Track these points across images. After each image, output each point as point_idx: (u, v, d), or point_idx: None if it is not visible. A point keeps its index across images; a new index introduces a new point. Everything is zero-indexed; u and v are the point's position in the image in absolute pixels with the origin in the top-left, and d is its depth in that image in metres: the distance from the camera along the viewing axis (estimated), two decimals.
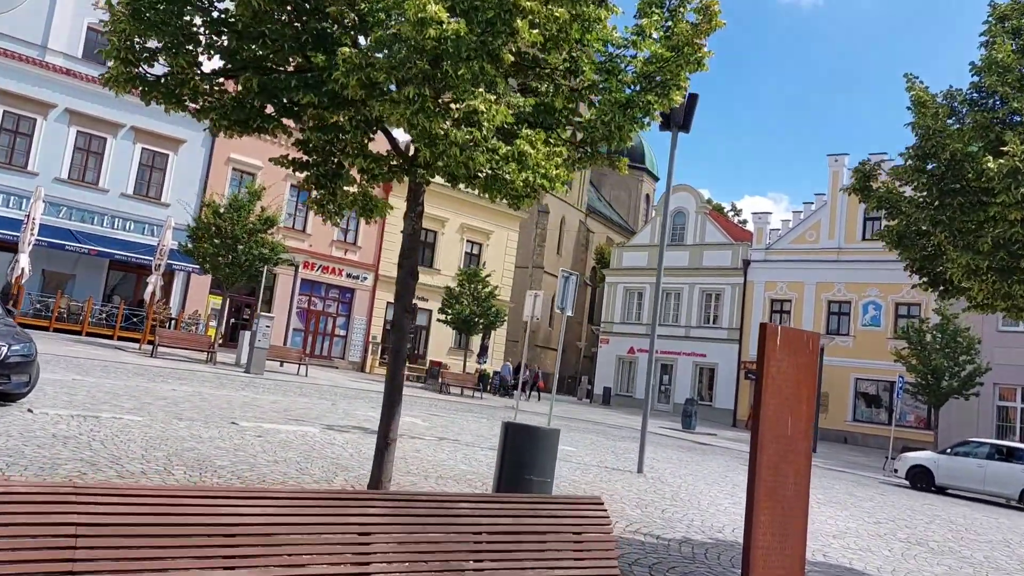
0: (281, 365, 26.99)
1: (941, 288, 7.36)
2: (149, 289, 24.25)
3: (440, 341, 36.96)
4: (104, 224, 28.90)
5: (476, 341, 36.87)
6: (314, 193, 6.35)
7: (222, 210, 24.44)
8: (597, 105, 5.89)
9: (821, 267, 37.38)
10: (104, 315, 28.13)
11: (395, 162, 5.64)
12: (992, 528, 12.91)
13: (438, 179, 5.72)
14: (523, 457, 6.05)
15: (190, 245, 24.31)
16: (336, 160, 5.78)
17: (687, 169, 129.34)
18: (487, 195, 5.52)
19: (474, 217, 38.77)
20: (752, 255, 39.84)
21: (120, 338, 27.33)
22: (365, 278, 35.31)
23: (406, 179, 6.15)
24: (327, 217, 6.35)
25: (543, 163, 5.17)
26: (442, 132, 4.76)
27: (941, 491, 19.37)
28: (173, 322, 29.20)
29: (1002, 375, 27.83)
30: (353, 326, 34.97)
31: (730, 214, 70.55)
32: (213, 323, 31.12)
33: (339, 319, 35.00)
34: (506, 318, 31.96)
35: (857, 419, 35.71)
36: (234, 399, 14.58)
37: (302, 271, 33.08)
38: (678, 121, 12.70)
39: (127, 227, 29.63)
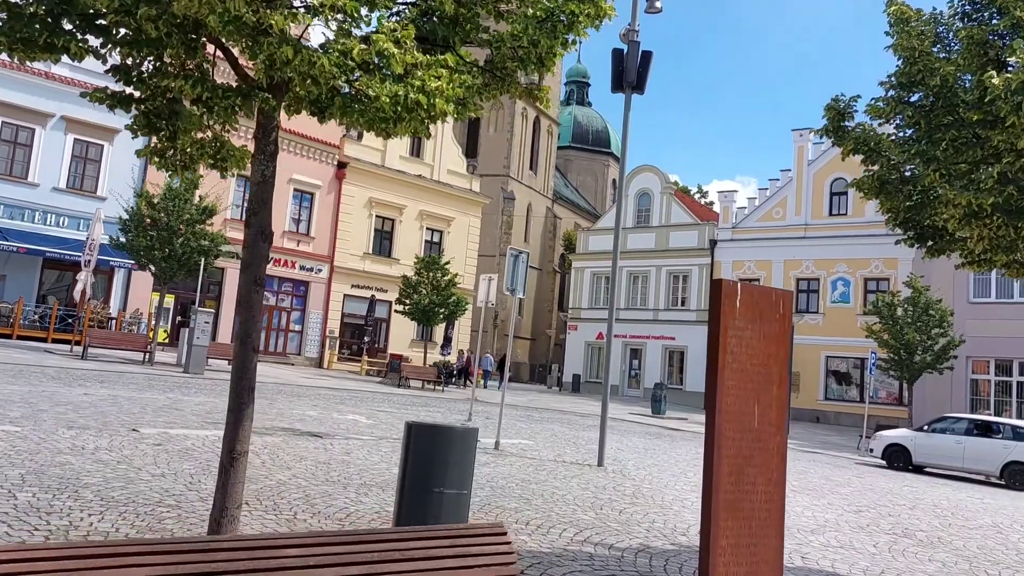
0: (228, 364, 25.48)
1: (930, 243, 6.24)
2: (79, 287, 22.63)
3: (401, 334, 35.64)
4: (35, 220, 27.12)
5: (440, 332, 35.61)
6: (152, 140, 5.00)
7: (157, 200, 22.86)
8: (506, 17, 4.66)
9: (788, 244, 36.62)
10: (37, 316, 26.40)
11: (235, 86, 4.32)
12: (979, 511, 11.98)
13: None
14: (431, 466, 4.83)
15: (122, 239, 22.70)
16: (169, 93, 4.47)
17: (653, 153, 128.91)
18: (344, 123, 4.25)
19: (434, 203, 37.47)
20: (719, 235, 39.00)
21: (54, 340, 25.67)
22: (320, 270, 33.85)
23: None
24: (172, 171, 5.03)
25: (421, 74, 3.93)
26: (273, 31, 3.50)
27: (919, 470, 18.55)
28: (113, 322, 27.54)
29: (975, 348, 27.19)
30: (308, 321, 33.50)
31: (696, 197, 69.89)
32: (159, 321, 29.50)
33: (293, 314, 33.52)
34: (468, 307, 30.70)
35: (828, 397, 35.05)
36: (153, 402, 13.18)
37: None
38: (631, 80, 11.56)
39: (61, 223, 27.87)
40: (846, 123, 6.34)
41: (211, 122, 4.61)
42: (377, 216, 35.61)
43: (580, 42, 4.95)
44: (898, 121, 5.86)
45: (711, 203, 57.87)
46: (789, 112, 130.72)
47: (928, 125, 5.45)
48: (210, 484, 7.22)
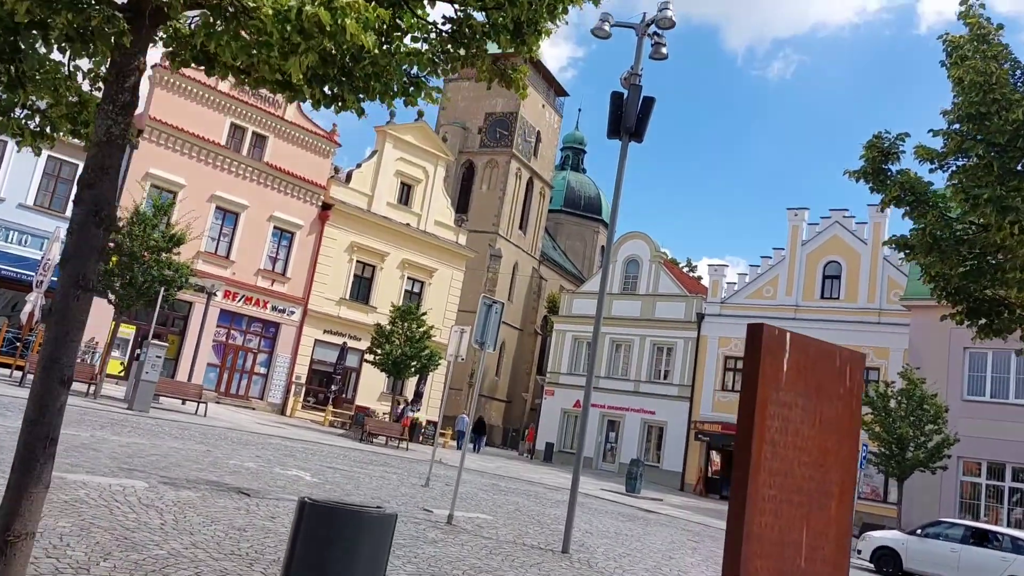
0: (183, 403, 23.86)
1: (984, 320, 5.06)
2: (27, 308, 21.12)
3: (371, 385, 34.07)
4: None
5: (411, 386, 34.06)
6: None
7: (122, 223, 21.59)
8: None
9: (777, 324, 35.43)
10: None
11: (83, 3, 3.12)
12: None
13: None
14: (327, 561, 3.49)
15: None
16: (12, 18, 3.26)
17: (643, 223, 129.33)
18: (232, 65, 3.07)
19: (418, 253, 36.41)
20: (707, 308, 38.00)
21: (1, 364, 24.02)
22: (292, 312, 32.44)
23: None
24: (19, 139, 3.79)
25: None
26: None
27: None
28: None
29: (967, 448, 25.94)
30: (275, 364, 31.93)
31: (685, 270, 69.29)
32: (116, 353, 27.89)
33: (260, 356, 31.96)
34: (441, 361, 29.28)
35: None
36: (71, 439, 11.66)
37: (223, 301, 30.10)
38: (629, 127, 10.58)
39: (24, 242, 26.53)
40: (889, 165, 5.21)
41: (68, 63, 3.41)
42: (358, 261, 34.46)
43: (580, 109, 3.81)
44: (957, 163, 4.74)
45: (699, 278, 57.13)
46: (783, 195, 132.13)
47: (1003, 168, 4.34)
48: (80, 551, 5.79)
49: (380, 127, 35.94)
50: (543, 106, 65.76)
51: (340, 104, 3.88)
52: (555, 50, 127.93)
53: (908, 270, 31.01)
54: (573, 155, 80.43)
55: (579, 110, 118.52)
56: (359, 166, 35.07)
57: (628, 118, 10.25)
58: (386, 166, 35.52)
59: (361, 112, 4.45)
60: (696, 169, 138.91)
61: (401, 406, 29.69)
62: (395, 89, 3.73)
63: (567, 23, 3.81)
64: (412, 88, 4.00)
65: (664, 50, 10.74)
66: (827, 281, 35.22)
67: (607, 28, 10.86)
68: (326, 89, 3.60)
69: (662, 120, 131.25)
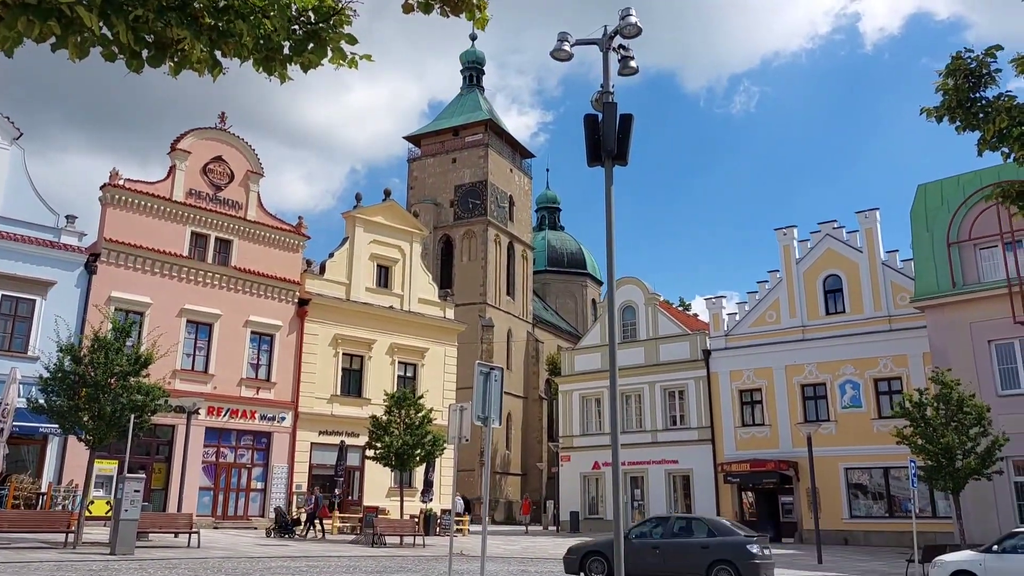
0: (176, 536, 22.00)
1: None
2: None
3: (377, 482, 32.27)
4: None
5: (419, 476, 32.29)
6: None
7: (83, 353, 20.11)
8: None
9: (788, 349, 34.31)
10: None
11: None
12: None
13: None
14: None
15: (41, 401, 19.75)
16: None
17: (629, 271, 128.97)
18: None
19: (406, 335, 35.15)
20: (711, 344, 36.70)
21: None
22: (283, 418, 30.85)
23: None
24: None
25: None
26: None
27: None
28: (42, 498, 24.09)
29: (1013, 447, 24.31)
30: (273, 476, 30.12)
31: (680, 310, 68.19)
32: (100, 493, 26.03)
33: (255, 470, 30.21)
34: (447, 446, 27.65)
35: (855, 515, 31.70)
36: None
37: (207, 418, 28.49)
38: (611, 149, 9.50)
39: None
40: (981, 92, 3.94)
41: None
42: (344, 354, 33.12)
43: (548, 169, 2.66)
44: None
45: (697, 315, 56.04)
46: (767, 221, 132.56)
47: None
48: None
49: (348, 212, 35.11)
50: (511, 170, 65.64)
51: (177, 57, 2.82)
52: (523, 119, 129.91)
53: (913, 269, 29.94)
54: (549, 214, 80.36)
55: (547, 170, 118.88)
56: (332, 255, 34.07)
57: (607, 140, 9.28)
58: (359, 251, 34.54)
59: (215, 68, 3.64)
60: (674, 211, 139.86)
61: (313, 496, 27.52)
62: (280, 43, 2.68)
63: None
64: (312, 44, 2.94)
65: (633, 63, 9.79)
66: (829, 296, 34.14)
67: (567, 48, 9.93)
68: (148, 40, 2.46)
69: (633, 166, 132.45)
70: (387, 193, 36.78)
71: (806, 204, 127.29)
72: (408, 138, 66.81)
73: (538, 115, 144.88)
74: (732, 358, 35.95)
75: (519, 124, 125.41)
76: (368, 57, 4.22)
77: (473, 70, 69.04)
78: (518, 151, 67.85)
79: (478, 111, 64.70)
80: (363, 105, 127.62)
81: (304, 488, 30.54)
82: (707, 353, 36.59)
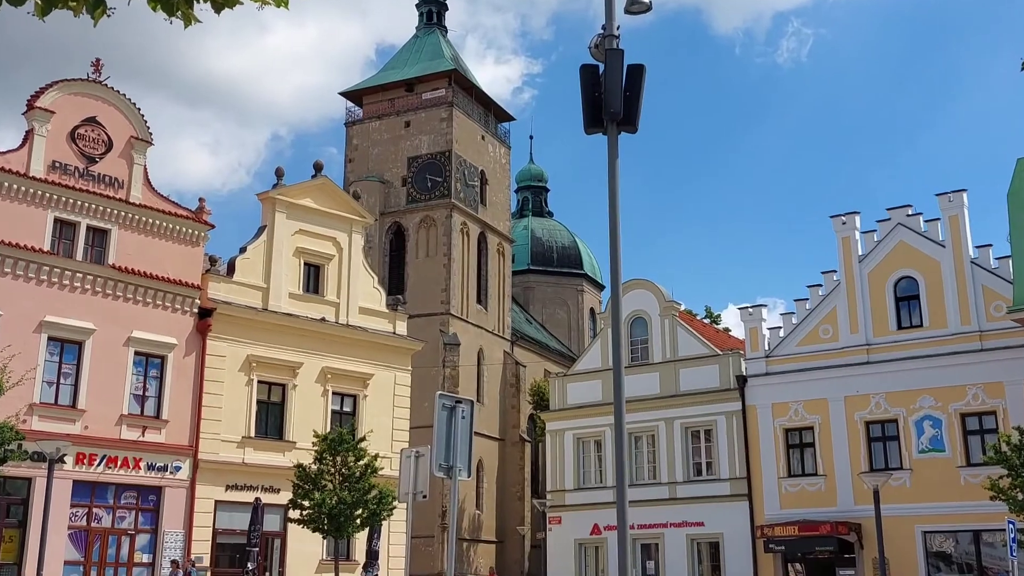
0: None
1: None
2: None
3: (305, 553, 32.06)
4: None
5: (360, 545, 32.18)
6: None
7: None
8: None
9: (848, 375, 34.58)
10: None
11: None
12: None
13: None
14: None
15: None
16: None
17: (640, 271, 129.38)
18: None
19: (342, 356, 35.04)
20: (748, 368, 36.91)
21: None
22: (178, 467, 30.63)
23: None
24: None
25: None
26: None
27: None
28: None
29: None
30: (163, 545, 29.88)
31: (707, 322, 68.64)
32: None
33: (140, 537, 29.96)
34: (396, 504, 27.58)
35: None
36: None
37: (75, 469, 28.21)
38: (615, 110, 9.61)
39: None
40: None
41: None
42: (260, 382, 32.94)
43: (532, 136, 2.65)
44: None
45: (728, 330, 56.42)
46: (820, 206, 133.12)
47: None
48: None
49: (265, 193, 34.97)
50: (483, 138, 65.82)
51: None
52: (501, 70, 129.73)
53: (1012, 270, 30.34)
54: (533, 196, 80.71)
55: (531, 137, 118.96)
56: (243, 250, 33.87)
57: (611, 99, 9.31)
58: (281, 245, 34.37)
59: (97, 7, 3.89)
60: (698, 193, 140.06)
61: (183, 571, 27.25)
62: None
63: None
64: None
65: None
66: (902, 305, 34.51)
67: None
68: None
69: (644, 134, 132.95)
70: (318, 167, 36.60)
71: (871, 184, 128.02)
72: (347, 95, 66.68)
73: (522, 65, 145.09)
74: (775, 387, 36.10)
75: (496, 76, 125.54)
76: None
77: (433, 5, 69.13)
78: (493, 112, 67.95)
79: (439, 59, 64.74)
80: (287, 50, 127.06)
81: (204, 561, 30.31)
82: (742, 380, 36.76)
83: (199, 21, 4.43)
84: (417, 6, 69.71)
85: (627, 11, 10.51)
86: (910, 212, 34.88)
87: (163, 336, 31.01)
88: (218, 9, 4.36)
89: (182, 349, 31.42)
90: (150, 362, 30.86)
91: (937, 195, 34.32)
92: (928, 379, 32.99)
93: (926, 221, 34.43)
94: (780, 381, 36.06)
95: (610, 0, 10.30)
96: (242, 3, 4.39)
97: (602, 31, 10.16)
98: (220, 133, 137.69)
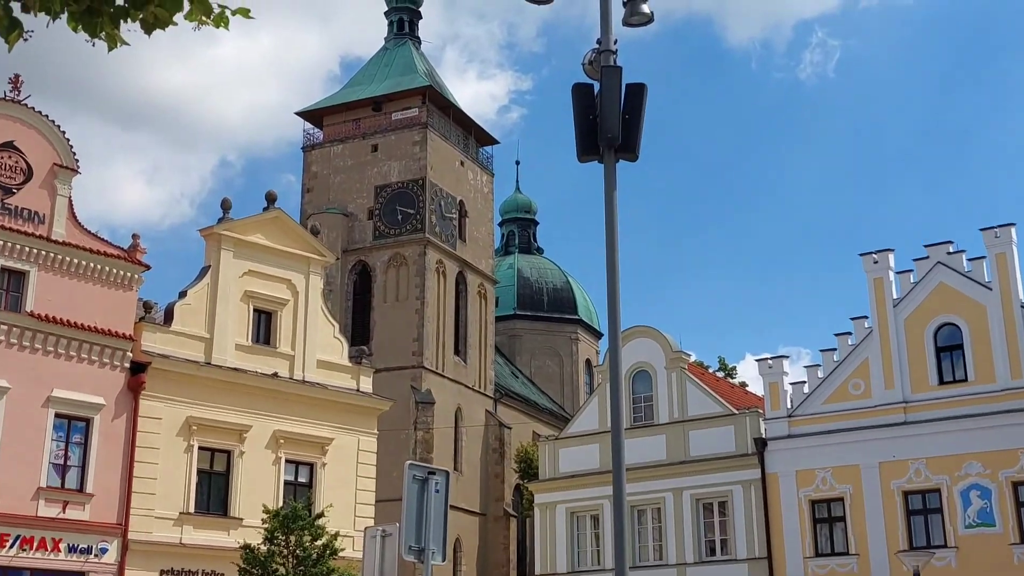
0: None
1: None
2: None
3: None
4: None
5: None
6: None
7: None
8: None
9: (882, 437, 34.63)
10: None
11: None
12: None
13: None
14: None
15: None
16: None
17: (645, 318, 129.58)
18: None
19: (298, 417, 34.78)
20: (768, 429, 36.99)
21: None
22: (104, 549, 30.28)
23: None
24: None
25: None
26: None
27: None
28: None
29: None
30: None
31: (720, 376, 68.70)
32: None
33: None
34: None
35: None
36: None
37: None
38: (612, 135, 9.68)
39: None
40: None
41: None
42: (202, 448, 32.66)
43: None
44: None
45: (745, 385, 56.52)
46: (847, 243, 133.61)
47: None
48: None
49: (209, 229, 34.87)
50: (462, 164, 66.22)
51: None
52: (485, 87, 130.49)
53: None
54: (520, 230, 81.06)
55: (517, 163, 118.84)
56: (183, 295, 33.72)
57: (608, 122, 9.39)
58: (227, 288, 34.24)
59: (13, 31, 4.25)
60: (709, 227, 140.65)
61: None
62: None
63: None
64: None
65: (646, 7, 9.94)
66: (943, 356, 34.73)
67: None
68: None
69: (646, 161, 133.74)
70: (271, 198, 36.55)
71: (907, 217, 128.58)
72: (305, 114, 67.00)
73: (508, 80, 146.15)
74: (799, 451, 36.11)
75: (478, 94, 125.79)
76: (245, 12, 4.30)
77: (404, 12, 69.73)
78: (473, 134, 68.43)
79: (412, 74, 65.22)
80: (237, 63, 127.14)
81: None
82: (761, 444, 36.79)
83: (126, 44, 4.45)
84: (386, 14, 70.39)
85: (626, 23, 10.60)
86: (951, 249, 35.12)
87: (89, 395, 30.71)
88: (149, 30, 4.44)
89: (111, 410, 31.11)
90: (73, 426, 30.54)
91: (982, 230, 34.60)
92: (975, 442, 33.00)
93: (970, 260, 34.65)
94: (805, 445, 36.06)
95: (606, 11, 10.39)
96: (176, 24, 4.43)
97: (597, 46, 10.24)
98: (159, 159, 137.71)
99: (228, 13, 4.61)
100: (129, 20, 4.46)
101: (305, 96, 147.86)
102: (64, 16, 4.32)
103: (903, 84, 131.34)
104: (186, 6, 4.52)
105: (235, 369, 33.76)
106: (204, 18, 4.56)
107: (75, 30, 4.37)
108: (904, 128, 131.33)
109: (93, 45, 4.55)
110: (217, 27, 4.55)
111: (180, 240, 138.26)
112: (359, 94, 65.43)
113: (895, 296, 35.55)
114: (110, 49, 4.60)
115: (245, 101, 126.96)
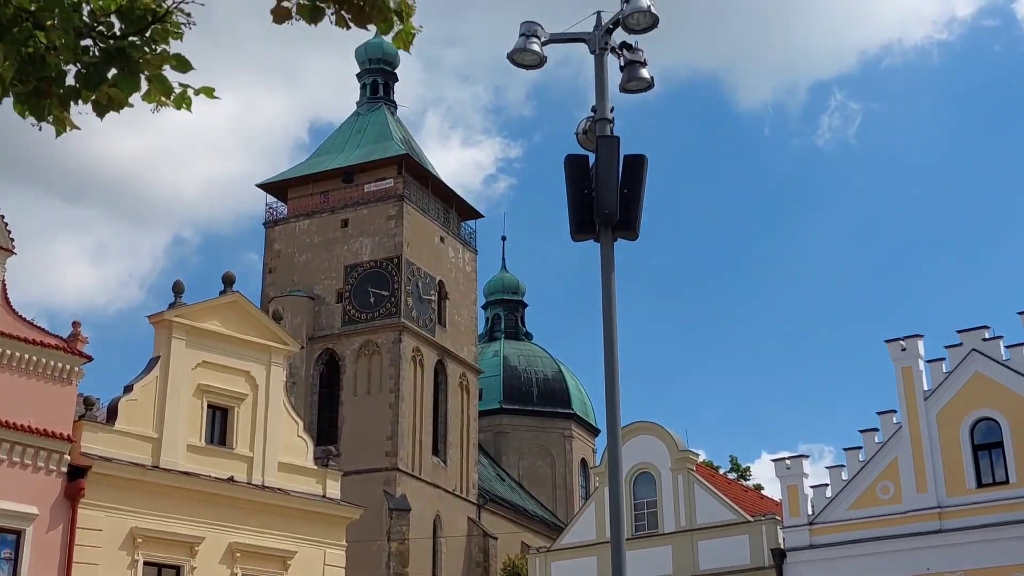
0: None
1: None
2: None
3: None
4: None
5: None
6: None
7: None
8: None
9: (915, 547, 34.55)
10: None
11: None
12: None
13: None
14: None
15: None
16: None
17: (647, 412, 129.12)
18: None
19: (256, 528, 34.55)
20: (787, 539, 36.89)
21: None
22: None
23: None
24: None
25: None
26: None
27: None
28: None
29: None
30: None
31: (732, 477, 68.54)
32: None
33: None
34: None
35: None
36: None
37: None
38: (610, 214, 9.90)
39: None
40: None
41: None
42: (147, 563, 32.36)
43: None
44: None
45: (760, 488, 56.30)
46: (872, 328, 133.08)
47: None
48: None
49: (159, 316, 34.92)
50: (441, 239, 66.54)
51: None
52: (469, 155, 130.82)
53: None
54: (506, 314, 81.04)
55: (503, 239, 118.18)
56: (129, 390, 33.70)
57: (604, 198, 9.58)
58: (178, 382, 34.21)
59: None
60: (718, 312, 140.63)
61: None
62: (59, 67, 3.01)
63: None
64: (115, 71, 3.96)
65: (645, 72, 10.18)
66: (982, 455, 34.80)
67: (537, 48, 10.26)
68: None
69: (647, 240, 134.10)
70: (228, 281, 36.68)
71: (938, 299, 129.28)
72: (267, 187, 67.36)
73: (496, 147, 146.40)
74: (822, 564, 36.02)
75: (462, 162, 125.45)
76: (209, 91, 4.38)
77: (379, 74, 70.52)
78: (455, 208, 68.85)
79: (387, 141, 65.78)
80: (195, 130, 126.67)
81: None
82: (780, 555, 36.66)
83: (76, 127, 4.56)
84: (358, 76, 71.00)
85: (624, 89, 10.77)
86: (987, 335, 35.36)
87: (20, 504, 30.50)
88: (102, 112, 4.53)
89: (45, 521, 30.89)
90: (2, 539, 30.37)
91: (1020, 313, 34.86)
92: (1020, 552, 32.94)
93: (1008, 347, 34.88)
94: (828, 556, 35.99)
95: (601, 76, 10.60)
96: (132, 105, 4.54)
97: (592, 113, 10.44)
98: (105, 236, 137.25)
99: (191, 93, 4.71)
100: (80, 102, 4.55)
101: (270, 166, 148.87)
102: (9, 99, 4.42)
103: (932, 151, 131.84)
104: (144, 86, 4.62)
105: (186, 473, 33.57)
106: (163, 98, 4.65)
107: (22, 115, 4.44)
108: (933, 200, 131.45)
109: (40, 129, 4.63)
110: (178, 108, 4.58)
111: (127, 327, 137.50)
112: (328, 163, 65.78)
113: (926, 388, 35.66)
114: (58, 134, 4.67)
115: (203, 171, 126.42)
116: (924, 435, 35.35)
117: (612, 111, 10.84)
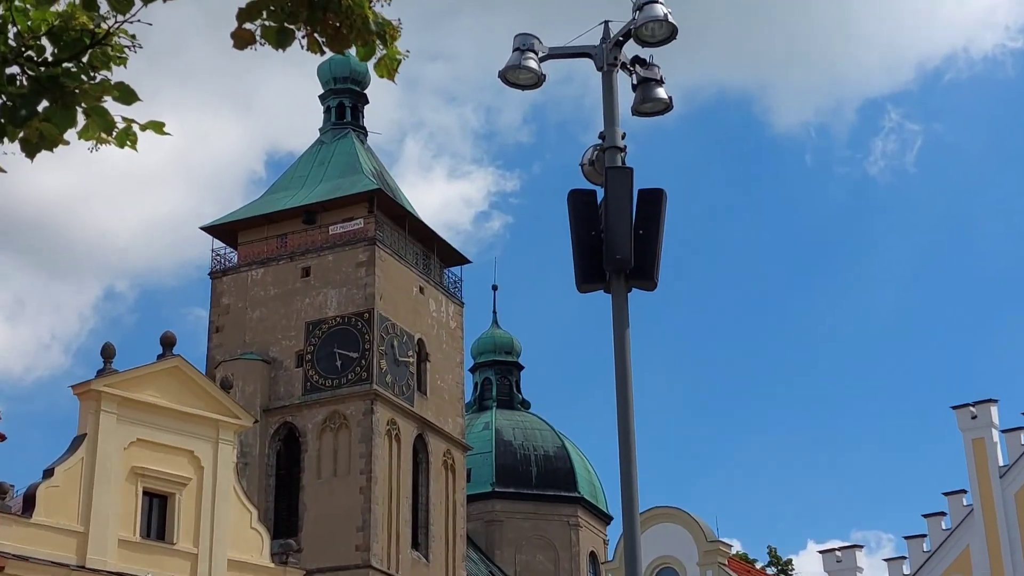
0: None
1: None
2: None
3: None
4: None
5: None
6: None
7: None
8: None
9: None
10: None
11: None
12: None
13: None
14: None
15: None
16: None
17: (672, 497, 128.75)
18: None
19: None
20: None
21: None
22: None
23: None
24: None
25: None
26: None
27: None
28: None
29: None
30: None
31: (770, 571, 68.37)
32: None
33: None
34: None
35: None
36: None
37: None
38: (622, 259, 9.82)
39: None
40: None
41: None
42: None
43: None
44: None
45: None
46: (935, 391, 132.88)
47: None
48: None
49: (84, 385, 34.83)
50: (421, 290, 66.45)
51: None
52: (455, 188, 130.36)
53: None
54: (498, 378, 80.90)
55: (494, 288, 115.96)
56: (49, 475, 33.58)
57: (616, 240, 9.49)
58: (108, 464, 34.09)
59: None
60: (755, 377, 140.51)
61: None
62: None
63: None
64: (46, 104, 4.24)
65: (662, 91, 10.10)
66: None
67: (534, 65, 10.27)
68: None
69: (666, 289, 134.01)
70: (168, 343, 36.65)
71: (1014, 357, 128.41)
72: (213, 229, 67.28)
73: (488, 179, 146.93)
74: None
75: (447, 198, 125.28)
76: (159, 126, 4.37)
77: (345, 96, 70.67)
78: (437, 252, 68.81)
79: (355, 175, 65.83)
80: (131, 163, 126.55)
81: None
82: None
83: (2, 171, 4.55)
84: (321, 98, 71.01)
85: (637, 111, 10.62)
86: None
87: None
88: (32, 152, 4.51)
89: None
90: None
91: None
92: None
93: None
94: None
95: (610, 96, 10.50)
96: (68, 143, 4.52)
97: (600, 141, 10.35)
98: (23, 290, 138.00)
99: (136, 128, 4.71)
100: (6, 140, 4.56)
101: (218, 205, 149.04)
102: None
103: (1004, 180, 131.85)
104: (81, 120, 4.61)
105: (118, 574, 33.48)
106: (104, 135, 4.65)
107: None
108: (1007, 238, 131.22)
109: None
110: (121, 146, 4.59)
111: (47, 399, 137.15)
112: (286, 201, 65.66)
113: (1001, 463, 35.64)
114: None
115: (140, 212, 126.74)
116: (1000, 518, 35.27)
117: (624, 137, 10.79)
